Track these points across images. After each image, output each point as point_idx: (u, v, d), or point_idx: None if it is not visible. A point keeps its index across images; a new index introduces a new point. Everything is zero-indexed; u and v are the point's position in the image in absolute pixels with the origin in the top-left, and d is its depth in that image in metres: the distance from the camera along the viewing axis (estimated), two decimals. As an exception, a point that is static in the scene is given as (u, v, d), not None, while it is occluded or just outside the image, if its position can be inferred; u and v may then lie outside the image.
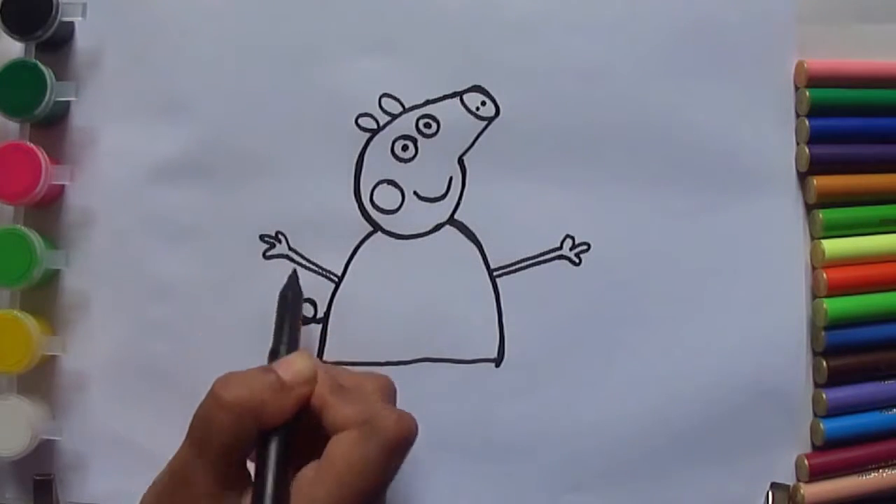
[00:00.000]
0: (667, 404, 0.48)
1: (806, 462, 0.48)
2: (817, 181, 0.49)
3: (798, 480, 0.49)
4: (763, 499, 0.48)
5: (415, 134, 0.48)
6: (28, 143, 0.45)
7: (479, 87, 0.48)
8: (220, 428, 0.36)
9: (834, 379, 0.49)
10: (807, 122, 0.49)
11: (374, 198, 0.47)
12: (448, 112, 0.48)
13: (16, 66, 0.45)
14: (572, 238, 0.48)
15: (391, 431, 0.37)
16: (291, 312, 0.43)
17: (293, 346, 0.41)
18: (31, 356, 0.44)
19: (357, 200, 0.47)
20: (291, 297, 0.44)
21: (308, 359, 0.39)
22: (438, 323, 0.47)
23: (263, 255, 0.47)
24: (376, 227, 0.47)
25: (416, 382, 0.47)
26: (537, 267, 0.48)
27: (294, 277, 0.45)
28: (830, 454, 0.49)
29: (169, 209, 0.47)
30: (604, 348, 0.48)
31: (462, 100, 0.48)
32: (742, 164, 0.49)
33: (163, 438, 0.46)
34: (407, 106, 0.48)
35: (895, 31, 0.51)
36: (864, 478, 0.49)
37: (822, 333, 0.49)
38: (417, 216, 0.48)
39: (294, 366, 0.38)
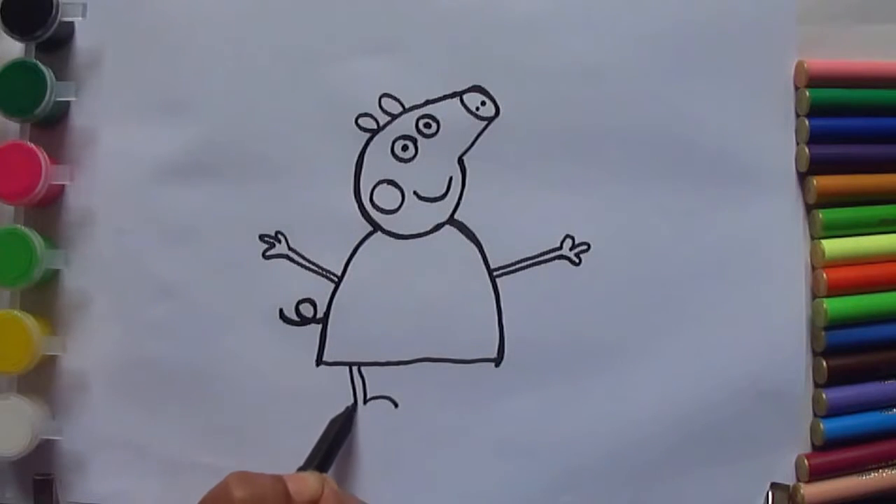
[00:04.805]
0: (666, 404, 0.48)
1: (806, 462, 0.48)
2: (817, 181, 0.49)
3: (798, 480, 0.49)
4: (763, 499, 0.48)
5: (415, 134, 0.48)
6: (28, 143, 0.45)
7: (479, 87, 0.48)
8: None
9: (834, 379, 0.49)
10: (807, 122, 0.49)
11: (374, 198, 0.47)
12: (448, 112, 0.48)
13: (16, 66, 0.45)
14: (572, 238, 0.48)
15: None
16: (334, 440, 0.44)
17: (323, 469, 0.42)
18: (31, 356, 0.44)
19: (357, 200, 0.47)
20: (340, 427, 0.45)
21: (318, 481, 0.39)
22: (438, 323, 0.47)
23: (263, 255, 0.47)
24: (376, 227, 0.47)
25: (416, 382, 0.47)
26: (537, 267, 0.48)
27: (351, 410, 0.46)
28: (830, 454, 0.49)
29: (169, 209, 0.47)
30: (603, 348, 0.48)
31: (462, 100, 0.48)
32: (742, 164, 0.49)
33: (162, 439, 0.46)
34: (407, 106, 0.48)
35: (895, 31, 0.51)
36: (864, 478, 0.49)
37: (822, 333, 0.49)
38: (417, 216, 0.48)
39: (303, 483, 0.39)
